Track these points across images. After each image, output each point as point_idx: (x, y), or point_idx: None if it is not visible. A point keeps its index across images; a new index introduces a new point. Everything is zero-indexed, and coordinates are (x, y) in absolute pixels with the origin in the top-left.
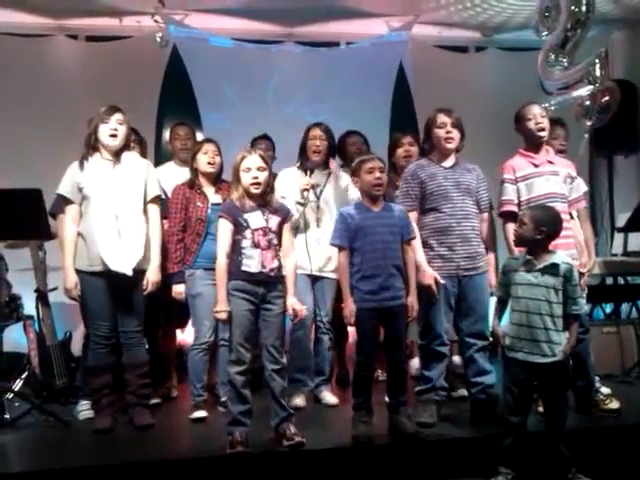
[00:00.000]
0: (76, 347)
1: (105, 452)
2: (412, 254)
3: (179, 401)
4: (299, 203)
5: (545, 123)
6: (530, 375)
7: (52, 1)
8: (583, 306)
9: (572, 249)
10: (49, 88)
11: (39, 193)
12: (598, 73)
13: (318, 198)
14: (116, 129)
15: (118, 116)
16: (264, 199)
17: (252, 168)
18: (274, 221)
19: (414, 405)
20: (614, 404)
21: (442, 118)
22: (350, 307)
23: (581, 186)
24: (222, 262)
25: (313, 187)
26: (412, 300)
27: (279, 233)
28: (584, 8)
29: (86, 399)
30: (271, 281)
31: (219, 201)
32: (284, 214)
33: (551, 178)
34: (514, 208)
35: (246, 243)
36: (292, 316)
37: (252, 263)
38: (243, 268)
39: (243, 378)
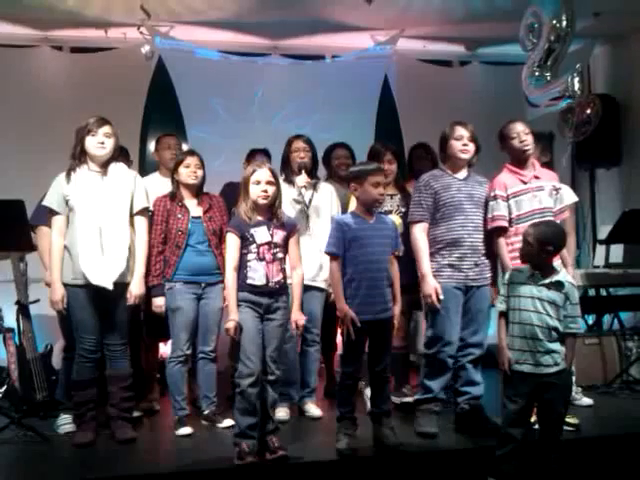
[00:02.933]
0: (57, 360)
1: (86, 467)
2: (397, 265)
3: (162, 415)
4: (295, 201)
5: (529, 139)
6: (535, 387)
7: (37, 12)
8: (581, 326)
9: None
10: (33, 99)
11: (21, 204)
12: (576, 87)
13: (308, 207)
14: (103, 142)
15: (106, 129)
16: (271, 213)
17: (262, 181)
18: (279, 236)
19: (415, 416)
20: (574, 419)
21: (460, 131)
22: (349, 314)
23: (567, 197)
24: (230, 276)
25: (306, 187)
26: (397, 310)
27: (286, 247)
28: (564, 23)
29: (67, 413)
30: (276, 292)
31: (200, 214)
32: (290, 228)
33: (537, 194)
34: (505, 223)
35: (252, 257)
36: (294, 330)
37: (257, 276)
38: (248, 281)
39: (255, 390)
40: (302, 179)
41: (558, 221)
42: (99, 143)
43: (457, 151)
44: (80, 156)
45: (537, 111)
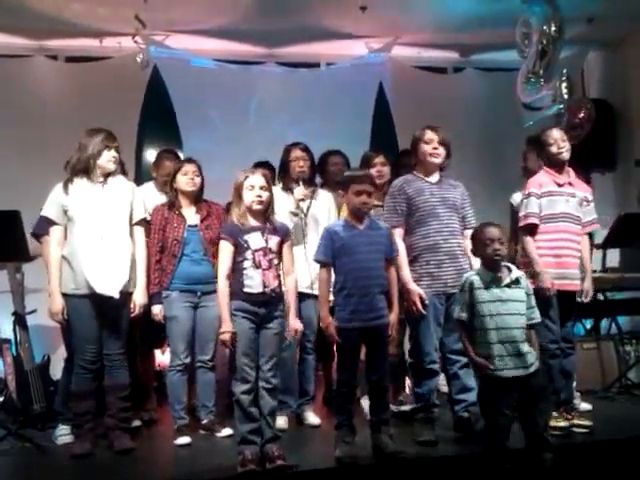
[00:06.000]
0: (54, 371)
1: (85, 477)
2: (394, 272)
3: (160, 424)
4: (293, 213)
5: (567, 146)
6: (517, 390)
7: (32, 22)
8: (538, 315)
9: (577, 269)
10: (29, 109)
11: (17, 215)
12: (564, 92)
13: (305, 215)
14: (116, 156)
15: (117, 142)
16: (264, 218)
17: (255, 187)
18: (274, 241)
19: (413, 425)
20: (587, 421)
21: (429, 134)
22: (333, 325)
23: (593, 210)
24: (223, 284)
25: (303, 200)
26: (393, 318)
27: (280, 252)
28: (554, 28)
29: (65, 424)
30: (272, 301)
31: (196, 222)
32: (283, 233)
33: (570, 200)
34: (537, 221)
35: (247, 264)
36: (292, 337)
37: (253, 284)
38: (245, 289)
39: (249, 397)
40: (300, 192)
41: (587, 232)
42: (113, 157)
43: (427, 155)
44: (85, 169)
45: (533, 116)
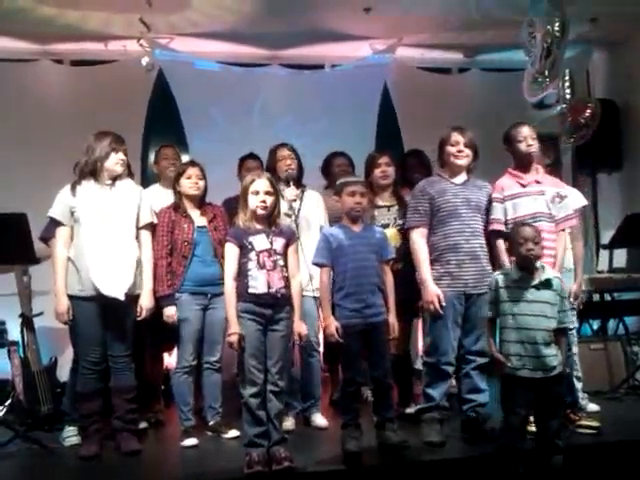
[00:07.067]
0: (61, 372)
1: (92, 479)
2: (390, 274)
3: (167, 426)
4: (286, 215)
5: (535, 144)
6: (534, 392)
7: (37, 26)
8: (574, 320)
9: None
10: (35, 113)
11: (24, 217)
12: (567, 92)
13: (297, 217)
14: (124, 159)
15: (125, 146)
16: (270, 222)
17: (260, 191)
18: (279, 243)
19: (420, 426)
20: (595, 422)
21: (455, 136)
22: (334, 324)
23: (573, 202)
24: (230, 285)
25: (295, 200)
26: (392, 319)
27: (285, 255)
28: (557, 27)
29: (72, 425)
30: (278, 303)
31: (204, 224)
32: (289, 236)
33: (538, 198)
34: (501, 227)
35: (252, 265)
36: (298, 340)
37: (258, 284)
38: (250, 290)
39: (257, 400)
40: (291, 192)
41: (564, 228)
42: (121, 160)
43: (452, 157)
44: (92, 170)
45: (542, 113)
